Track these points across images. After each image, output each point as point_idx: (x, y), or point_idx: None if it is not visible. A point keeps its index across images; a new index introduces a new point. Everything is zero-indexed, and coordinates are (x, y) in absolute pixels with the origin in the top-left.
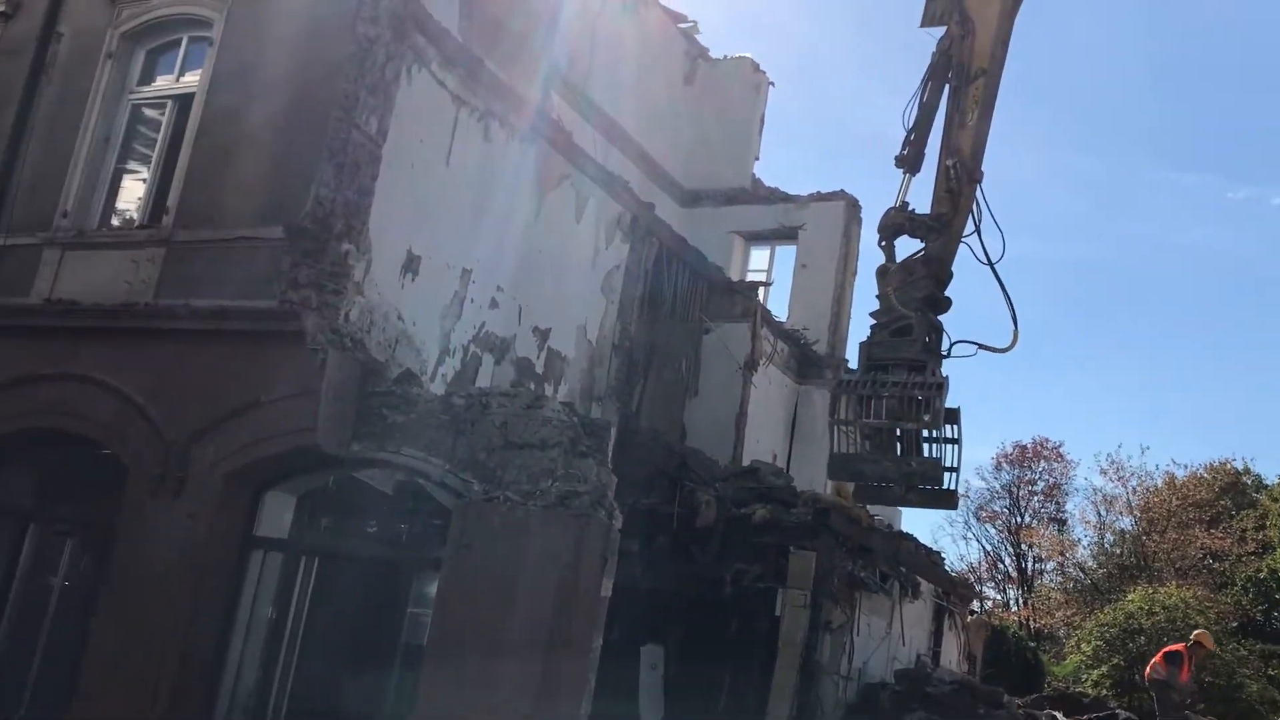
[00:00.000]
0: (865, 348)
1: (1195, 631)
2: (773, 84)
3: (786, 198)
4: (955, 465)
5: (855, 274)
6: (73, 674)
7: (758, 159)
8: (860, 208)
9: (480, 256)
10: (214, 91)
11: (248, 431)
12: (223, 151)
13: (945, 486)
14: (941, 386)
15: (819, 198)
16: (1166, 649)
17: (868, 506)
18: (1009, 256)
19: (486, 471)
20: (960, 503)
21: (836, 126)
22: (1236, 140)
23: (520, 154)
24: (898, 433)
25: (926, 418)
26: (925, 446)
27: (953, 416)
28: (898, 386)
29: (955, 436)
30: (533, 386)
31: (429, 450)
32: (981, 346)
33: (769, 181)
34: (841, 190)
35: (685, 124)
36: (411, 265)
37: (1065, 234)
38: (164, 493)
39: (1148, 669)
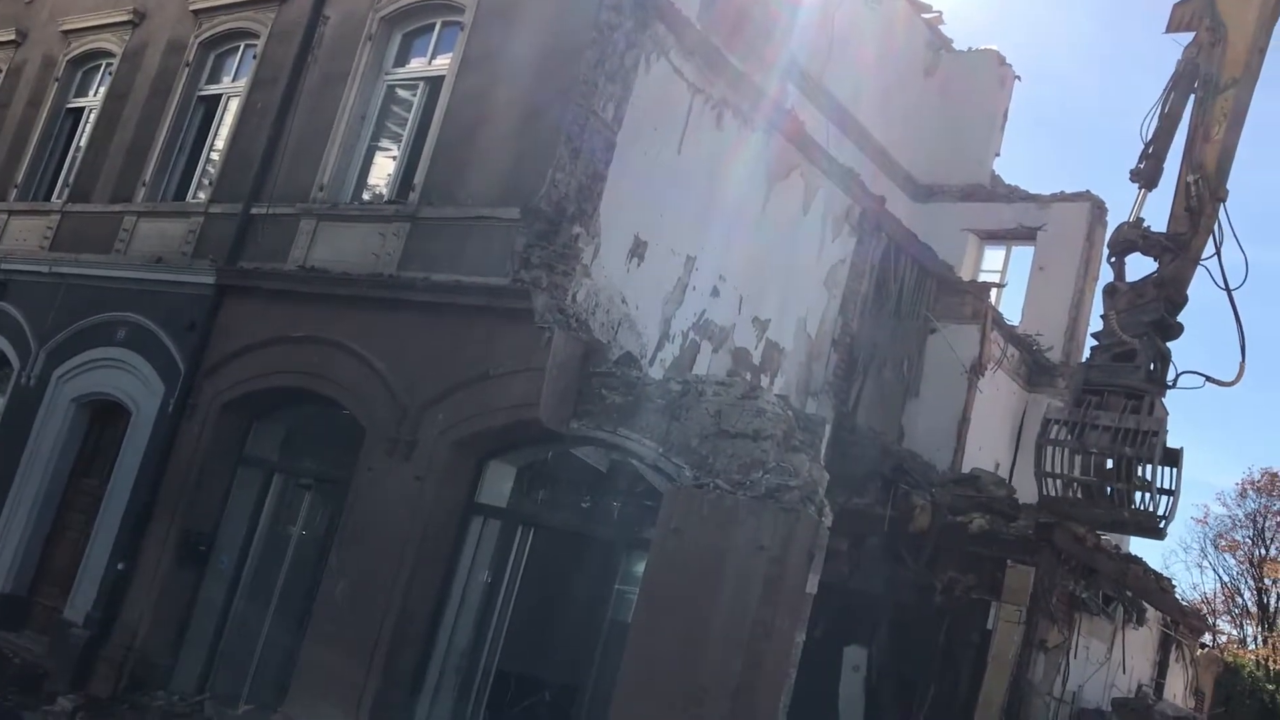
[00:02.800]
0: (1084, 370)
1: None
2: (1018, 78)
3: (1027, 196)
4: (1166, 512)
5: (1097, 279)
6: (305, 617)
7: (998, 155)
8: (1106, 210)
9: (705, 244)
10: (462, 75)
11: (475, 402)
12: (467, 133)
13: (1159, 526)
14: (1157, 436)
15: (1062, 198)
16: None
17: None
18: (1262, 266)
19: (698, 458)
20: (1198, 530)
21: (1083, 125)
22: None
23: (751, 144)
24: (1108, 466)
25: (1143, 472)
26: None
27: (1173, 458)
28: (1107, 435)
29: (1172, 486)
30: (749, 377)
31: (644, 433)
32: (1208, 379)
33: (1009, 179)
34: (1086, 191)
35: (924, 117)
36: (638, 250)
37: None
38: (396, 455)
39: None
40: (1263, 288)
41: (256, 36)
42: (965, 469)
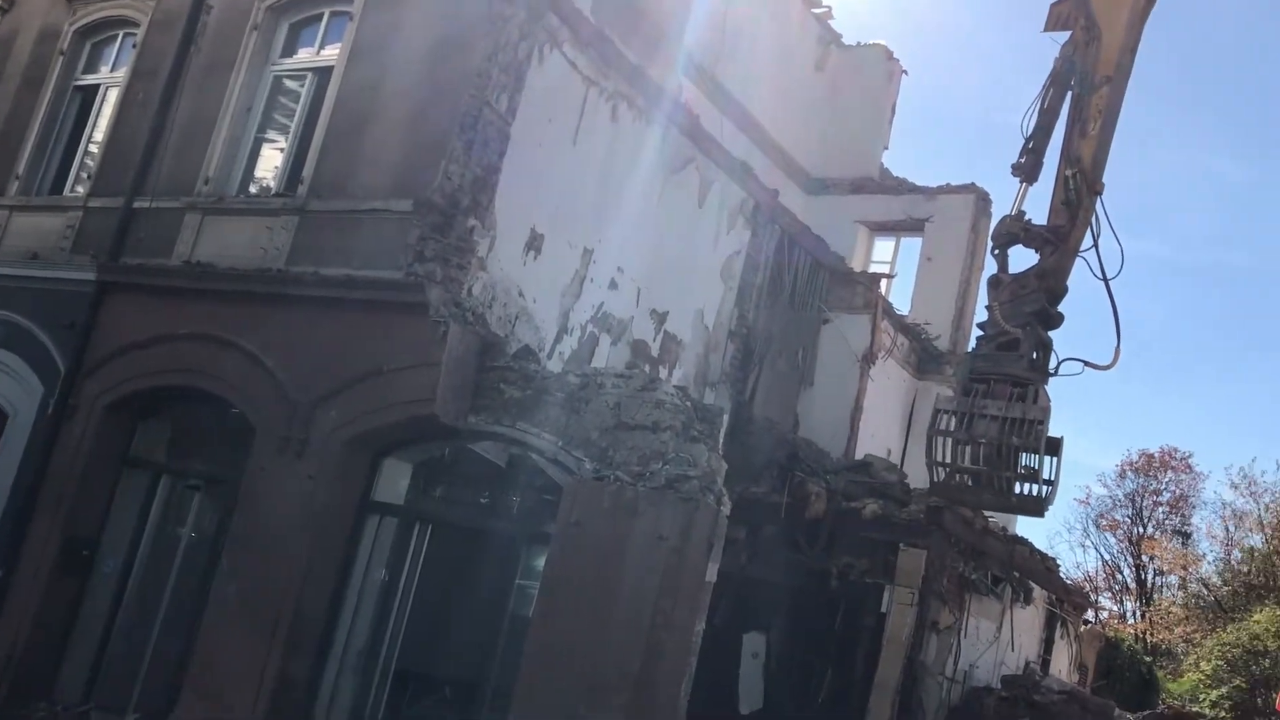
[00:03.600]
0: (969, 360)
1: None
2: (905, 72)
3: (914, 189)
4: (1049, 495)
5: (982, 269)
6: (195, 621)
7: (887, 148)
8: (991, 202)
9: (602, 237)
10: (352, 65)
11: (369, 399)
12: (357, 124)
13: (1036, 495)
14: (1043, 425)
15: (948, 190)
16: None
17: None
18: (1140, 257)
19: (598, 451)
20: (1080, 510)
21: (969, 118)
22: None
23: (646, 136)
24: (995, 454)
25: (1028, 460)
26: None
27: (1054, 446)
28: (995, 424)
29: (1053, 473)
30: (648, 369)
31: (543, 426)
32: (1087, 364)
33: (897, 172)
34: (972, 183)
35: (815, 111)
36: (534, 243)
37: (1206, 240)
38: (288, 453)
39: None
40: (1136, 277)
41: (136, 25)
42: (858, 456)
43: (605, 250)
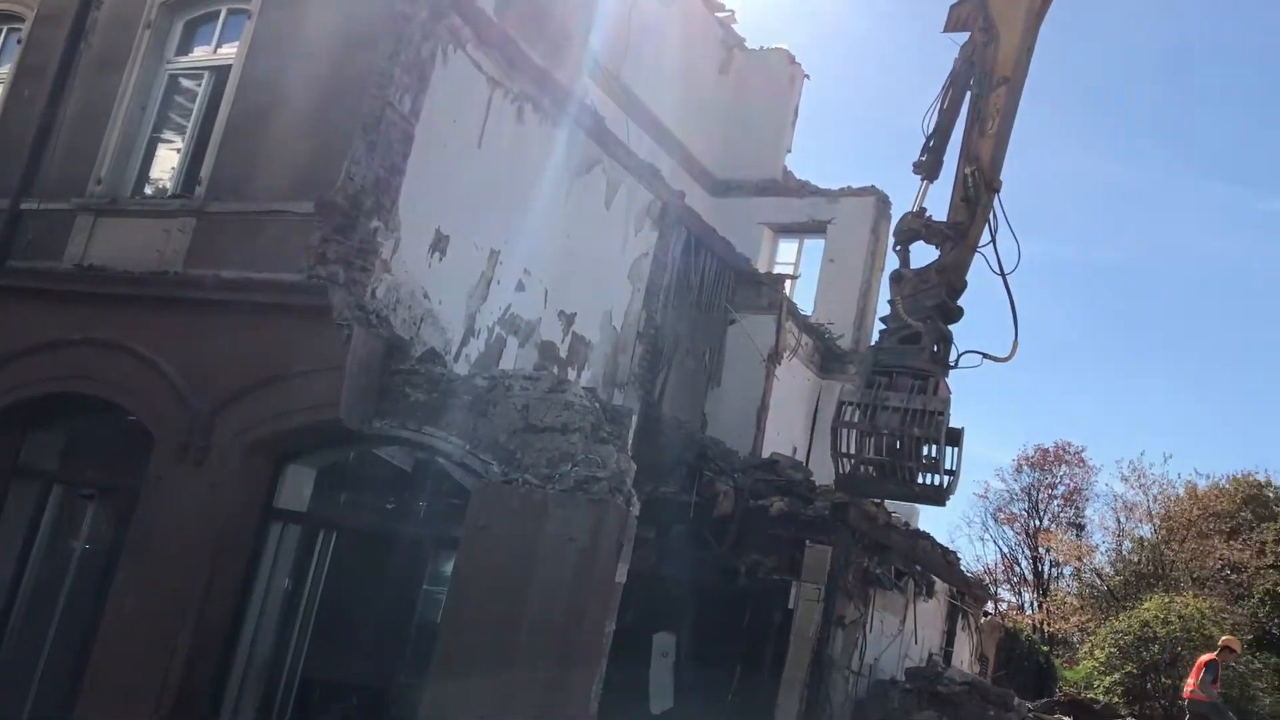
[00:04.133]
0: (873, 353)
1: (1224, 638)
2: (808, 76)
3: (817, 191)
4: (951, 484)
5: (883, 270)
6: (90, 635)
7: (790, 151)
8: (890, 204)
9: (509, 239)
10: (250, 64)
11: (271, 404)
12: (257, 124)
13: (938, 485)
14: (943, 416)
15: (849, 193)
16: (1204, 661)
17: (884, 504)
18: (1030, 259)
19: (506, 453)
20: (979, 504)
21: (869, 121)
22: (1267, 151)
23: (552, 138)
24: (897, 445)
25: (932, 448)
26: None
27: (955, 437)
28: (897, 415)
29: (953, 462)
30: (556, 370)
31: (450, 430)
32: (986, 356)
33: (800, 174)
34: (872, 186)
35: (719, 113)
36: (439, 245)
37: (1093, 240)
38: (187, 461)
39: (1188, 690)
40: (1025, 276)
41: (21, 20)
42: (765, 454)
43: (512, 252)
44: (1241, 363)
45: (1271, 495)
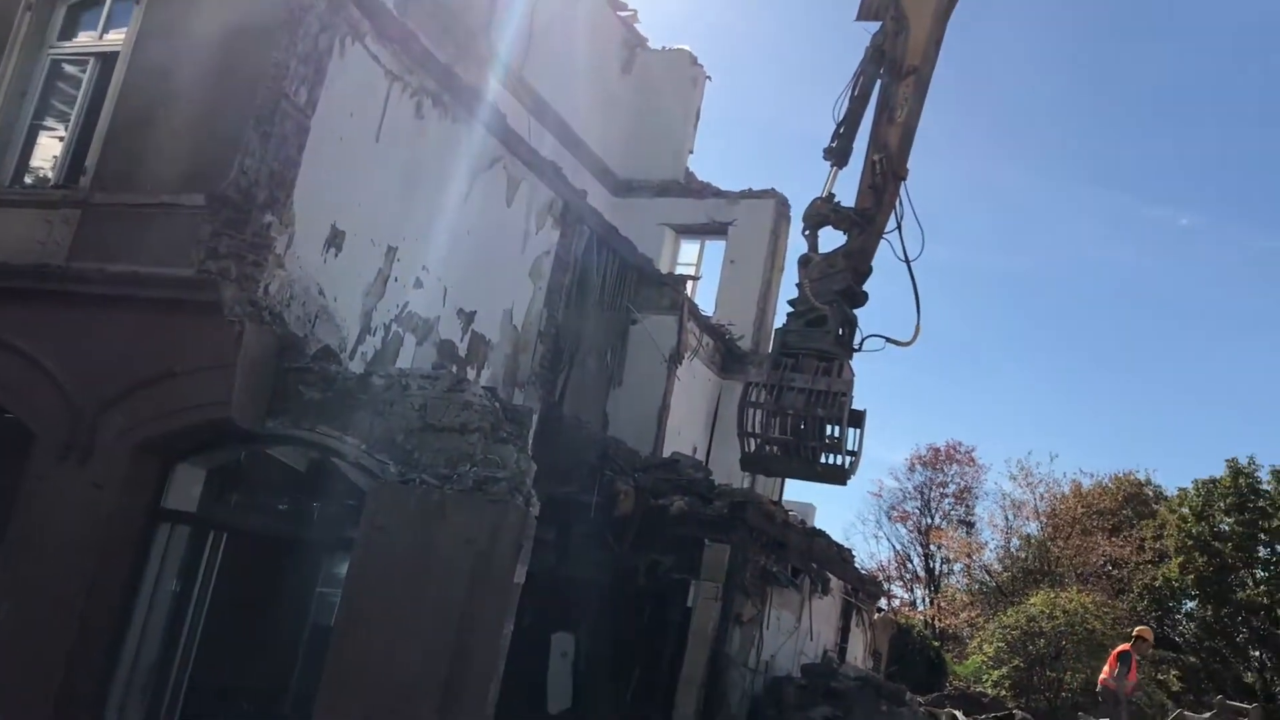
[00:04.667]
0: (780, 334)
1: (1138, 629)
2: (709, 78)
3: (718, 193)
4: (852, 465)
5: (782, 271)
6: None
7: (691, 153)
8: (790, 207)
9: (406, 235)
10: (139, 51)
11: (159, 402)
12: (145, 114)
13: (840, 465)
14: (845, 396)
15: (750, 195)
16: (1118, 651)
17: (782, 503)
18: (928, 262)
19: (403, 453)
20: (874, 502)
21: (769, 125)
22: (1150, 160)
23: (452, 134)
24: (802, 425)
25: (835, 428)
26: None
27: (858, 418)
28: (801, 395)
29: (855, 444)
30: (455, 369)
31: (345, 429)
32: (888, 340)
33: (702, 176)
34: (772, 189)
35: (621, 113)
36: (335, 240)
37: (987, 245)
38: (70, 461)
39: (1101, 679)
40: (922, 279)
41: None
42: (666, 454)
43: (410, 248)
44: (1126, 365)
45: (1151, 494)
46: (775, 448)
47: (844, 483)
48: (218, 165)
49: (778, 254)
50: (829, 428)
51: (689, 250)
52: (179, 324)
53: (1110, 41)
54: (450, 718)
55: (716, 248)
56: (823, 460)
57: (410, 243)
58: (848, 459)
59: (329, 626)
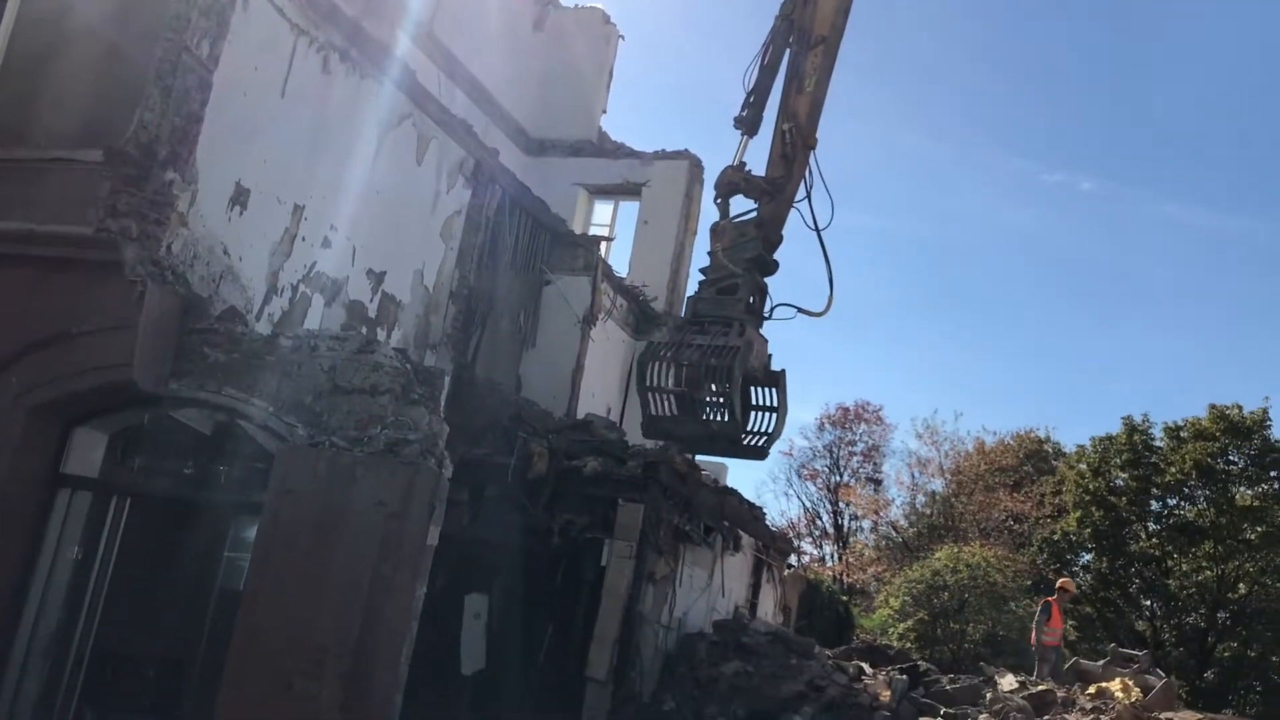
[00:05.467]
0: (691, 303)
1: (1060, 580)
2: (623, 37)
3: (632, 154)
4: (769, 429)
5: (696, 233)
6: None
7: (605, 112)
8: (703, 169)
9: (314, 193)
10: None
11: (57, 364)
12: (39, 66)
13: (754, 444)
14: (738, 351)
15: (663, 156)
16: (1042, 602)
17: (695, 463)
18: (838, 227)
19: (312, 416)
20: (784, 461)
21: (684, 86)
22: (1052, 125)
23: (360, 90)
24: (707, 395)
25: (725, 384)
26: (743, 405)
27: (775, 379)
28: (699, 350)
29: (770, 402)
30: (364, 331)
31: (251, 392)
32: (799, 310)
33: (616, 136)
34: (686, 150)
35: (534, 71)
36: (240, 198)
37: (896, 209)
38: None
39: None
40: (833, 241)
41: None
42: (580, 415)
43: (318, 207)
44: (1028, 326)
45: (1050, 451)
46: (672, 405)
47: (762, 454)
48: (116, 120)
49: (691, 216)
50: (724, 380)
51: (603, 211)
52: (77, 284)
53: (1010, 8)
54: (362, 682)
55: (630, 209)
56: (722, 419)
57: (318, 201)
58: (768, 419)
59: (237, 592)
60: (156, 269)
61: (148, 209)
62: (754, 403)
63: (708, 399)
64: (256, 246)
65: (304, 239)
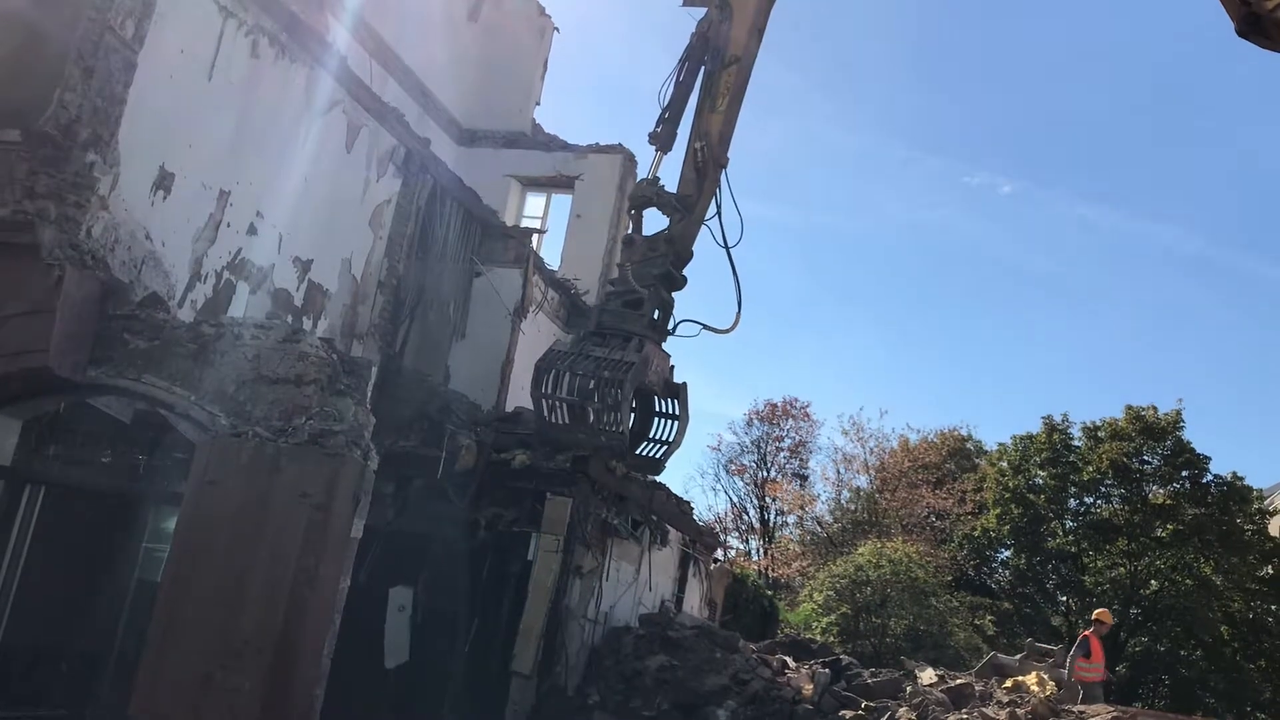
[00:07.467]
0: (596, 312)
1: (1095, 612)
2: (557, 30)
3: (565, 146)
4: (669, 438)
5: (629, 227)
6: None
7: (539, 104)
8: (636, 163)
9: (240, 179)
10: None
11: None
12: None
13: (652, 453)
14: (632, 367)
15: (597, 149)
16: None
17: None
18: (762, 223)
19: (235, 405)
20: (712, 456)
21: (618, 80)
22: (975, 128)
23: (290, 75)
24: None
25: (616, 398)
26: (656, 418)
27: (677, 391)
28: (594, 362)
29: (672, 411)
30: (290, 319)
31: (173, 380)
32: (705, 327)
33: (549, 129)
34: (619, 144)
35: (468, 62)
36: (164, 183)
37: (823, 205)
38: None
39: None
40: (761, 238)
41: None
42: (509, 408)
43: (244, 193)
44: (950, 325)
45: (972, 449)
46: (564, 414)
47: (658, 472)
48: (36, 100)
49: (624, 209)
50: (613, 392)
51: (535, 203)
52: None
53: (933, 7)
54: (284, 675)
55: (563, 201)
56: (609, 429)
57: (244, 187)
58: (671, 427)
59: (155, 583)
60: (75, 252)
61: (67, 191)
62: (658, 410)
63: (600, 410)
64: (180, 232)
65: (230, 225)
